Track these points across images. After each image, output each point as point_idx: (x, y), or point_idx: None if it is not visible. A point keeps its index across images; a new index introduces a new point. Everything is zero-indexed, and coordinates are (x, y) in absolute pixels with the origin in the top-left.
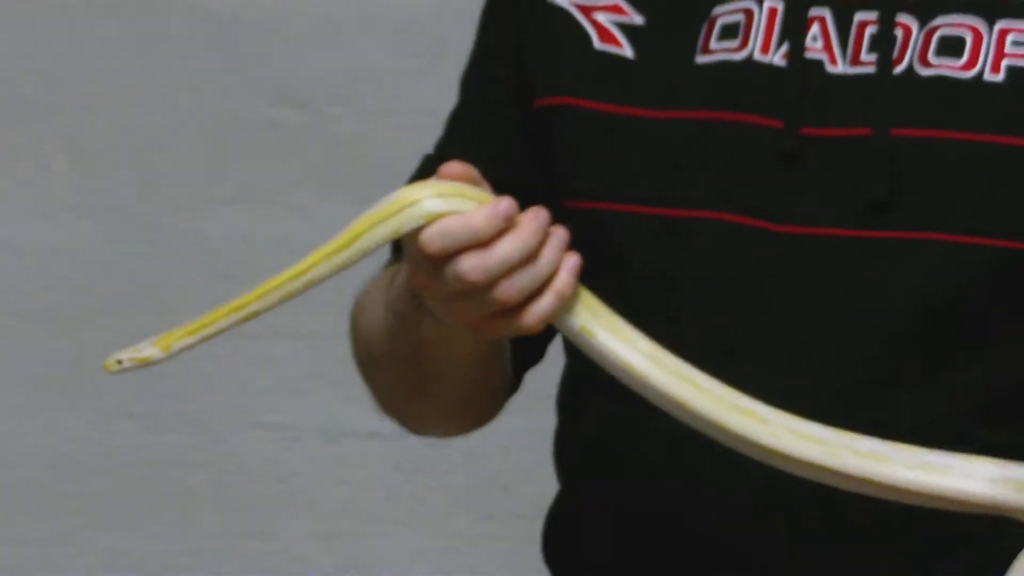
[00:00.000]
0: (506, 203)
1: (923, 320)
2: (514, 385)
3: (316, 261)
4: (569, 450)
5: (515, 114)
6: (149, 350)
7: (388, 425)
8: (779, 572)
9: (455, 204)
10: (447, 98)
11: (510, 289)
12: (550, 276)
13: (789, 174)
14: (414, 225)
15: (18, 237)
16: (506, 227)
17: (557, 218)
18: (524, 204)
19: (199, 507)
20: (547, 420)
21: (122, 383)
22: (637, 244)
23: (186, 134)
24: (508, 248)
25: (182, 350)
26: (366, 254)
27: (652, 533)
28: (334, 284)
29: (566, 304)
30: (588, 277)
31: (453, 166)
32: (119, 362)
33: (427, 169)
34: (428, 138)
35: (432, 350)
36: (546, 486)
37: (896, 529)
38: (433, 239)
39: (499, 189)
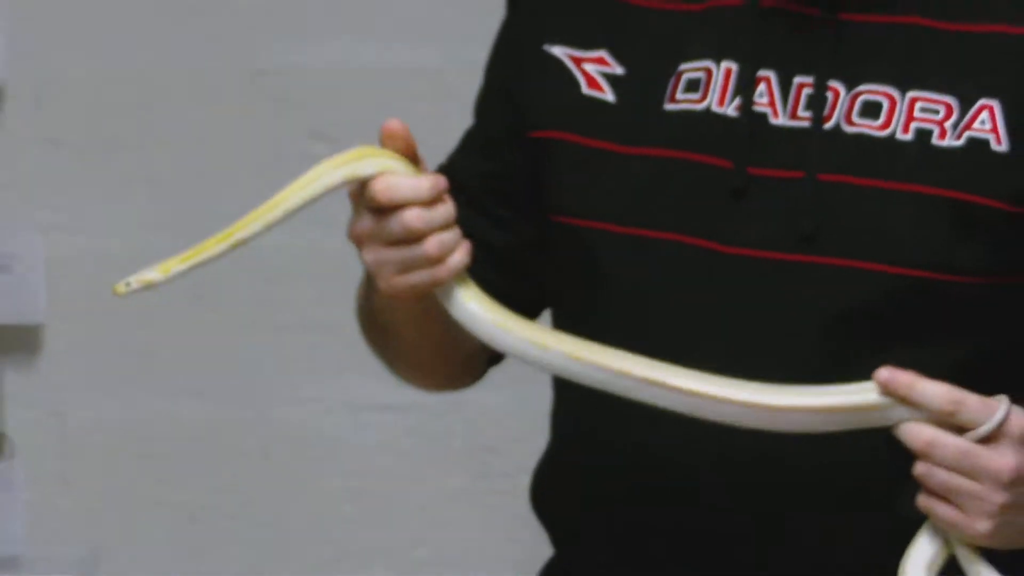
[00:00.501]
0: (443, 180)
1: (842, 333)
2: (482, 369)
3: (287, 195)
4: (557, 420)
5: (509, 141)
6: (152, 274)
7: (399, 399)
8: (728, 505)
9: (400, 166)
10: (451, 135)
11: (438, 243)
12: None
13: (737, 206)
14: (369, 172)
15: (103, 248)
16: (438, 197)
17: (545, 229)
18: (513, 212)
19: (249, 467)
20: (531, 394)
21: (187, 368)
22: (609, 257)
23: (239, 165)
24: (444, 211)
25: (179, 274)
26: (328, 189)
27: (623, 485)
28: (356, 279)
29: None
30: (567, 287)
31: (394, 121)
32: (127, 284)
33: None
34: (432, 165)
35: (382, 316)
36: (530, 450)
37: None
38: (384, 189)
39: (492, 199)
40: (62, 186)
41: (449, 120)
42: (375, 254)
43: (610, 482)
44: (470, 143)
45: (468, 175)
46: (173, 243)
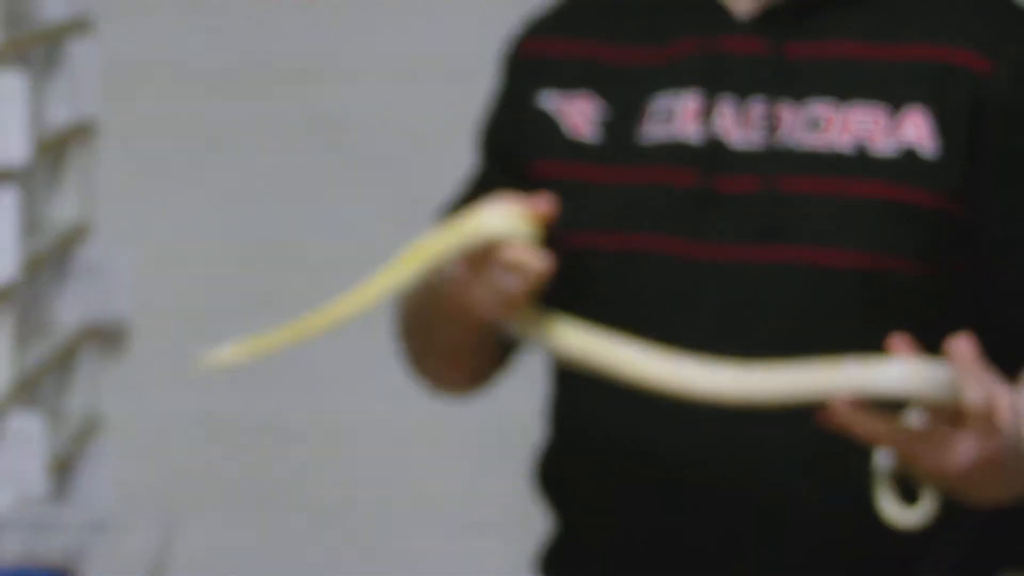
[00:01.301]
0: (550, 259)
1: (797, 325)
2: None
3: (384, 280)
4: (557, 407)
5: (501, 169)
6: (237, 349)
7: (420, 390)
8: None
9: (512, 224)
10: (458, 139)
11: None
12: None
13: (703, 219)
14: (482, 240)
15: (184, 257)
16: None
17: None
18: None
19: (306, 449)
20: (531, 386)
21: (250, 365)
22: (599, 270)
23: (306, 193)
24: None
25: (263, 355)
26: (438, 262)
27: (621, 468)
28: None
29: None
30: (569, 299)
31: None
32: (216, 359)
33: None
34: (446, 167)
35: (441, 334)
36: (533, 428)
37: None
38: (508, 257)
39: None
40: (146, 203)
41: (457, 103)
42: (467, 291)
43: (609, 465)
44: (473, 183)
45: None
46: (243, 259)
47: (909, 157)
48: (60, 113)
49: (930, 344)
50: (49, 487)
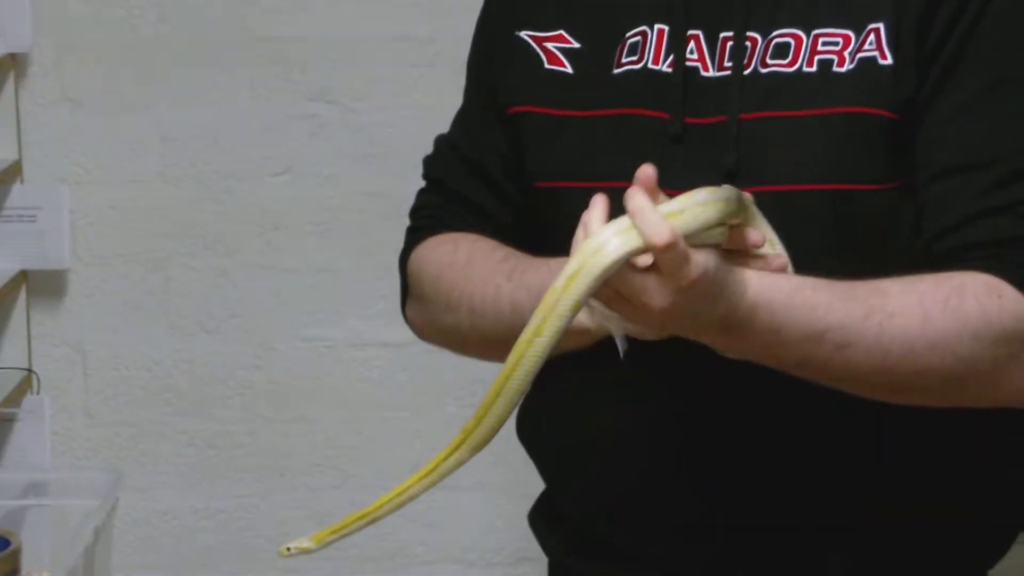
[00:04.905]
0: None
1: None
2: None
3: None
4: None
5: (497, 120)
6: (307, 543)
7: (397, 337)
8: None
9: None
10: (437, 96)
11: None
12: None
13: (676, 150)
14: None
15: (121, 199)
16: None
17: (530, 198)
18: (513, 185)
19: (257, 398)
20: None
21: (199, 310)
22: (577, 212)
23: (247, 124)
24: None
25: (330, 543)
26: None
27: (600, 431)
28: (355, 228)
29: None
30: (548, 249)
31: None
32: (288, 549)
33: (441, 149)
34: (425, 125)
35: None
36: None
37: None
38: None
39: (500, 171)
40: (83, 143)
41: (437, 82)
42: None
43: (589, 430)
44: (466, 122)
45: (480, 149)
46: (184, 194)
47: (867, 70)
48: None
49: (899, 256)
50: None
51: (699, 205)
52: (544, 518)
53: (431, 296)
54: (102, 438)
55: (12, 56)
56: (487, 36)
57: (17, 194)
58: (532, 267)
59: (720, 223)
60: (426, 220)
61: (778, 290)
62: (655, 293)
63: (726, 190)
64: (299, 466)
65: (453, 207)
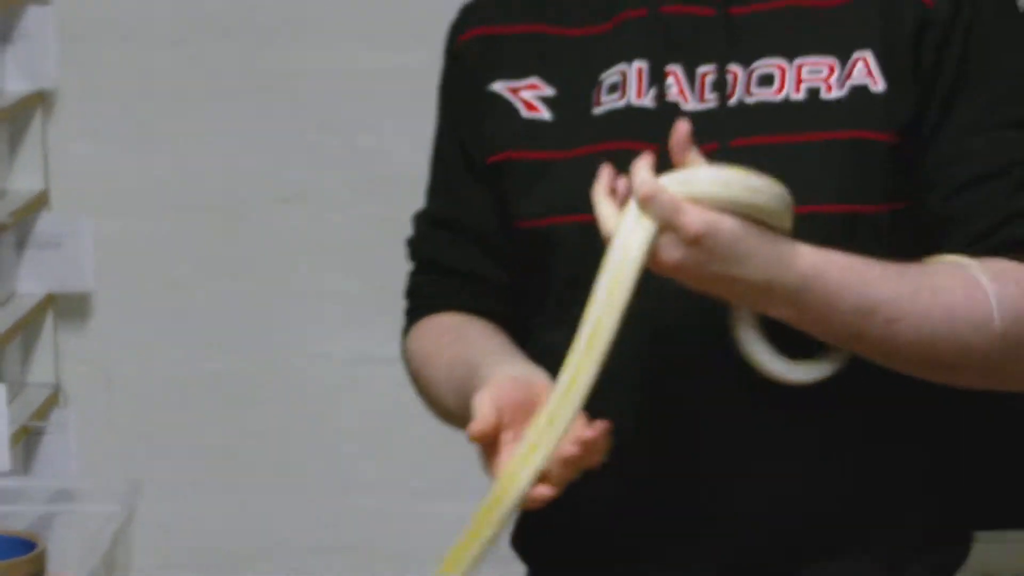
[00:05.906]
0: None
1: None
2: None
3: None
4: None
5: (467, 171)
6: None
7: (391, 354)
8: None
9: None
10: (431, 124)
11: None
12: None
13: None
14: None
15: (140, 225)
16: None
17: (512, 239)
18: (503, 240)
19: (265, 409)
20: None
21: (214, 330)
22: (562, 246)
23: (258, 155)
24: None
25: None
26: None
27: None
28: (359, 253)
29: None
30: (534, 286)
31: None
32: None
33: (422, 229)
34: (423, 153)
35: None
36: None
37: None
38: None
39: (491, 226)
40: (105, 174)
41: (431, 112)
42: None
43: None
44: (447, 191)
45: (471, 212)
46: (198, 220)
47: (860, 96)
48: (18, 84)
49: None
50: (13, 458)
51: (717, 182)
52: (526, 539)
53: (417, 387)
54: (124, 449)
55: (40, 93)
56: (455, 100)
57: (44, 222)
58: (469, 377)
59: (748, 207)
60: (422, 301)
61: (832, 263)
62: (664, 247)
63: (766, 183)
64: (312, 475)
65: (450, 282)
